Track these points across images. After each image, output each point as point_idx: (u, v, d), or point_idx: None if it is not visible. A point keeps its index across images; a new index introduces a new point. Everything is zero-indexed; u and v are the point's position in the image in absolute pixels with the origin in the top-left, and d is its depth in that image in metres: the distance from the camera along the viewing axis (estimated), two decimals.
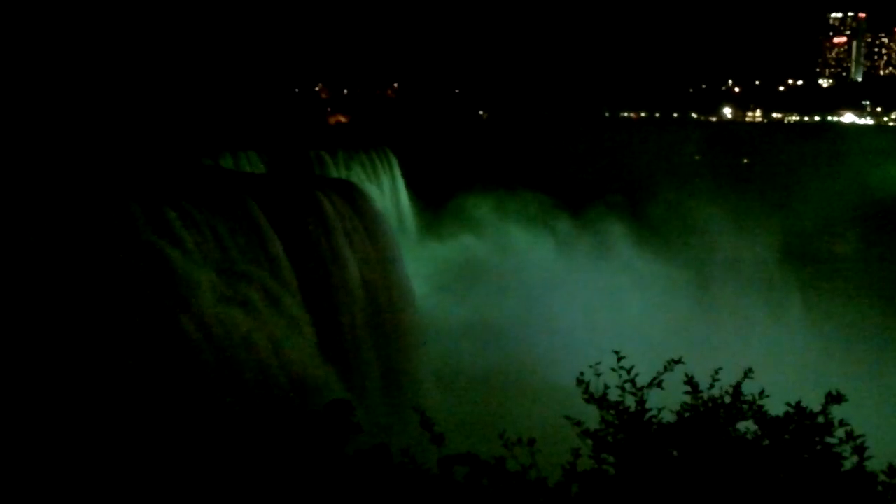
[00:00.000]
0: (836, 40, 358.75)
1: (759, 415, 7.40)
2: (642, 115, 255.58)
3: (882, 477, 6.75)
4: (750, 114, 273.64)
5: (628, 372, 7.80)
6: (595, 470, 7.17)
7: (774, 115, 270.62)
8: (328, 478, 7.13)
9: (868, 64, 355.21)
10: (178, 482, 8.04)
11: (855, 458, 6.93)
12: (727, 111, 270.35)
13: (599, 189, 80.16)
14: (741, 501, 6.75)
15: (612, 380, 7.83)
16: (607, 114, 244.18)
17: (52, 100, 77.15)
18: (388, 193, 65.03)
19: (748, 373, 8.07)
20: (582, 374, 7.79)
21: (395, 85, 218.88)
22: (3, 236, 25.78)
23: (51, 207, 28.81)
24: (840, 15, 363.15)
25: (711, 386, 7.72)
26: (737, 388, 7.68)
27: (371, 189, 56.38)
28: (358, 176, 60.56)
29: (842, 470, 6.93)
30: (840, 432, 7.10)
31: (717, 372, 7.96)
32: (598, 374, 7.78)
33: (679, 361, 8.00)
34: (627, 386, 7.70)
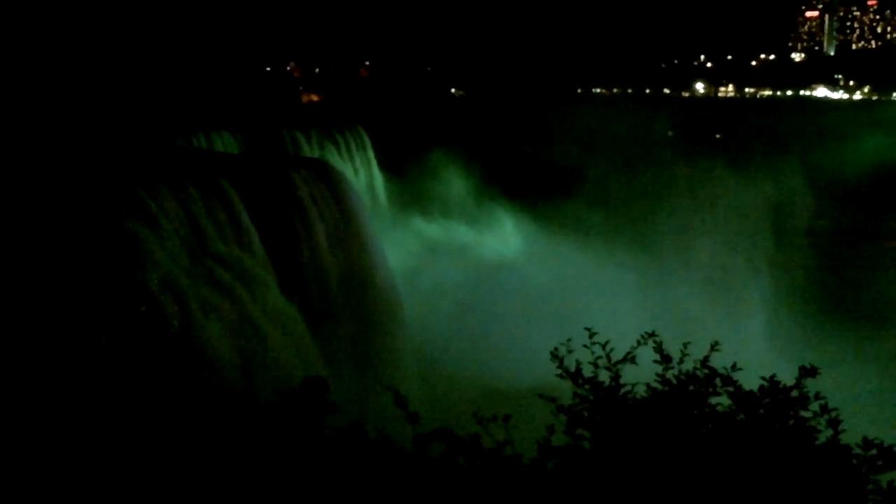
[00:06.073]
0: (808, 14, 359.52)
1: (734, 389, 7.41)
2: (615, 91, 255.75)
3: (857, 450, 6.78)
4: (723, 89, 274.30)
5: (603, 347, 7.83)
6: (570, 445, 7.17)
7: (747, 89, 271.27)
8: (303, 456, 7.11)
9: (841, 38, 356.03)
10: (150, 460, 8.00)
11: (829, 432, 6.96)
12: (700, 86, 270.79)
13: (575, 167, 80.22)
14: (716, 475, 6.77)
15: (586, 356, 7.85)
16: (580, 90, 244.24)
17: (20, 83, 76.38)
18: (362, 173, 64.97)
19: (715, 345, 8.13)
20: (556, 349, 7.80)
21: (367, 63, 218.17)
22: None
23: (20, 190, 28.58)
24: None
25: (681, 360, 7.74)
26: (705, 361, 7.71)
27: (345, 168, 56.30)
28: (331, 155, 60.50)
29: (816, 443, 6.96)
30: (815, 406, 7.12)
31: (685, 346, 7.96)
32: (570, 351, 7.79)
33: (652, 335, 8.01)
34: (601, 361, 7.72)
